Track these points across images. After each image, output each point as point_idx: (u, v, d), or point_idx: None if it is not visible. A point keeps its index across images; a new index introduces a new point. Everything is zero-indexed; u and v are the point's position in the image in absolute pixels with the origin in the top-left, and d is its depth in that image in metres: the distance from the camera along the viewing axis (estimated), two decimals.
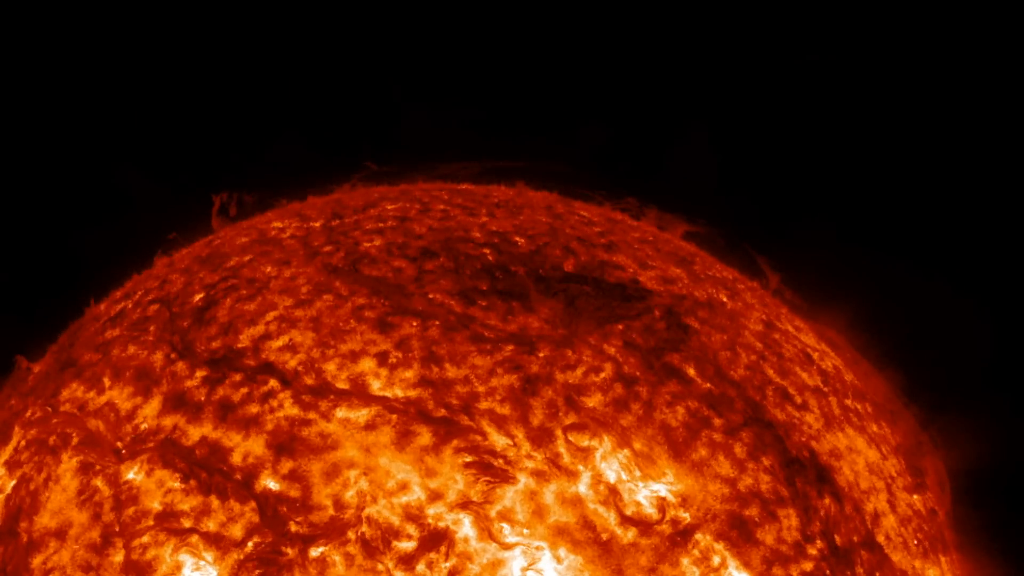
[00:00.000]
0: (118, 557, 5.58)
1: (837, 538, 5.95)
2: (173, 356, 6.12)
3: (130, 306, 6.75)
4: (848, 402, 6.81)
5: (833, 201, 9.08)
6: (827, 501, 6.02)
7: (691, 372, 6.06)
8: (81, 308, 7.33)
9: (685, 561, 5.55)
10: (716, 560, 5.59)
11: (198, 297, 6.46)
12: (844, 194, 9.05)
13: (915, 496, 6.79)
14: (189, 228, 7.69)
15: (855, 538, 6.06)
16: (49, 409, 6.31)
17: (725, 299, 6.80)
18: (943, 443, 7.11)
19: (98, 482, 5.81)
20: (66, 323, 7.30)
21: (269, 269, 6.48)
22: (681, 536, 5.58)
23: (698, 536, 5.60)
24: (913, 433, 7.13)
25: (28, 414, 6.46)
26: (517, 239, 6.63)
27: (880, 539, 6.20)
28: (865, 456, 6.51)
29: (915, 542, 6.49)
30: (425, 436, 5.58)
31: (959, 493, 6.98)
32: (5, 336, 7.63)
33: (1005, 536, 6.97)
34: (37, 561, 5.75)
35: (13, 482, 6.15)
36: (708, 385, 6.03)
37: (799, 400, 6.38)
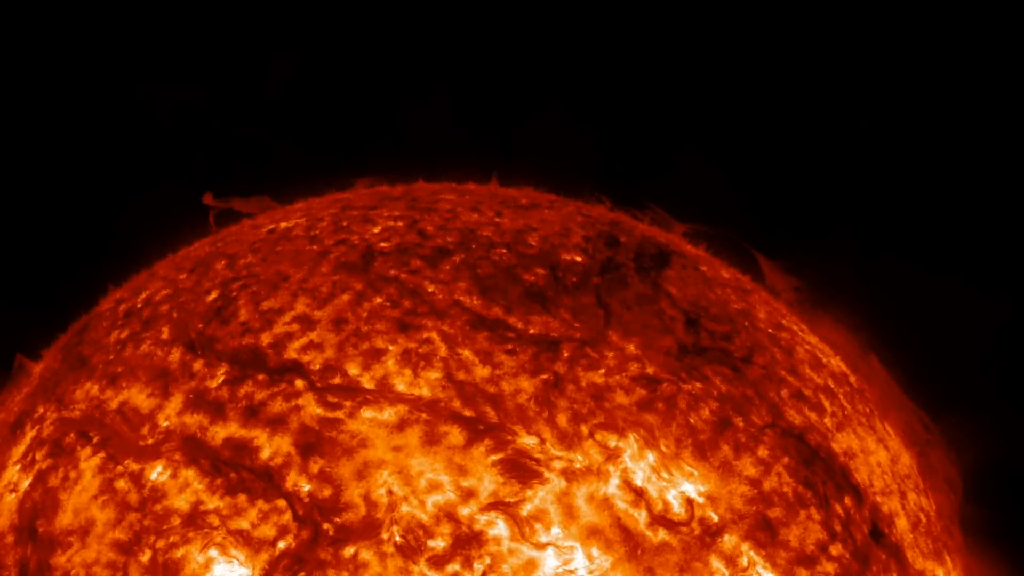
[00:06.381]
0: (145, 556, 5.54)
1: (858, 538, 5.99)
2: (191, 355, 6.08)
3: (139, 305, 6.68)
4: (857, 402, 6.85)
5: (834, 200, 9.13)
6: (847, 501, 6.06)
7: (710, 372, 6.09)
8: (84, 306, 7.26)
9: (715, 562, 5.57)
10: (744, 561, 5.61)
11: (212, 296, 6.41)
12: (845, 193, 9.11)
13: (924, 496, 6.84)
14: (190, 227, 7.66)
15: (873, 538, 6.10)
16: (63, 408, 6.26)
17: (735, 299, 6.83)
18: (950, 443, 7.17)
19: (121, 481, 5.76)
20: (69, 321, 7.24)
21: (283, 267, 6.44)
22: (710, 536, 5.60)
23: (726, 536, 5.62)
24: (920, 433, 7.18)
25: (40, 412, 6.39)
26: (530, 239, 6.63)
27: (896, 539, 6.25)
28: (877, 456, 6.56)
29: (926, 542, 6.54)
30: (454, 436, 5.58)
31: (967, 493, 7.04)
32: (7, 335, 7.56)
33: (1014, 536, 7.03)
34: (60, 560, 5.71)
35: (28, 480, 6.10)
36: (728, 386, 6.06)
37: (813, 400, 6.41)
